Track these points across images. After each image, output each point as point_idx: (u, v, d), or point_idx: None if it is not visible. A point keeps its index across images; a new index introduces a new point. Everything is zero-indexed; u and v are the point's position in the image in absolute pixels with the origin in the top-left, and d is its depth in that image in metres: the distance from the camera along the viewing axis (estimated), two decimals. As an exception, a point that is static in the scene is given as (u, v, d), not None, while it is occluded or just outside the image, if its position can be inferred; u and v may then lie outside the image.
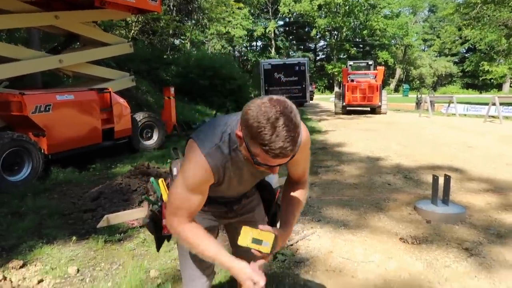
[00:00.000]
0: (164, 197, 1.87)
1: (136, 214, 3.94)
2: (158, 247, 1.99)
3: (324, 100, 36.44)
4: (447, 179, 4.30)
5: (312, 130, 11.47)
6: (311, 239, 3.74)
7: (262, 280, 1.52)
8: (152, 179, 1.98)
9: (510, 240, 3.63)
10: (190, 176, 1.51)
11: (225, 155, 1.52)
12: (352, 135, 10.60)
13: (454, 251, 3.41)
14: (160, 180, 1.94)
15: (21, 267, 3.15)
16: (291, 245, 3.60)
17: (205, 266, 1.81)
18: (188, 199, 1.54)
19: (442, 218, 4.11)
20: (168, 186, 1.89)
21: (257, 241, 1.63)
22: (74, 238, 3.59)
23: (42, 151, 5.87)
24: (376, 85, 16.76)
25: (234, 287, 2.71)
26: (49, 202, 4.84)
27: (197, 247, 1.57)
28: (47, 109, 5.95)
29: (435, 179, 4.33)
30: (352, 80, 17.83)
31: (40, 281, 2.95)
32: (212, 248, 1.57)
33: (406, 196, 5.06)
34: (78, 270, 3.15)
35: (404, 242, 3.61)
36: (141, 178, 4.94)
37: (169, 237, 1.97)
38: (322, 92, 56.62)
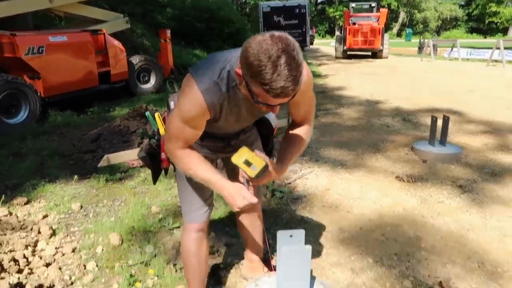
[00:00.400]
0: (161, 131, 1.86)
1: (135, 154, 3.98)
2: (155, 180, 2.01)
3: (325, 45, 35.60)
4: (446, 120, 4.30)
5: (312, 75, 11.26)
6: (308, 177, 3.82)
7: (254, 199, 1.56)
8: (147, 113, 1.96)
9: (503, 179, 3.70)
10: (186, 110, 1.49)
11: (223, 93, 1.49)
12: (352, 79, 10.47)
13: (448, 188, 3.49)
14: (156, 114, 1.92)
15: (26, 203, 3.24)
16: (289, 183, 3.67)
17: (204, 198, 1.84)
18: (183, 131, 1.54)
19: (438, 158, 4.16)
20: (164, 120, 1.88)
21: (247, 163, 1.64)
22: (76, 177, 3.66)
23: (39, 94, 5.80)
24: (378, 28, 16.28)
25: (233, 221, 2.80)
26: (49, 144, 4.87)
27: (191, 169, 1.56)
28: (40, 50, 5.81)
29: (434, 120, 4.32)
30: (354, 23, 17.29)
31: (45, 216, 3.04)
32: (206, 170, 1.56)
33: (404, 137, 5.09)
34: (81, 206, 3.23)
35: (400, 180, 3.68)
36: (139, 120, 4.94)
37: (166, 171, 1.99)
38: (322, 36, 55.19)
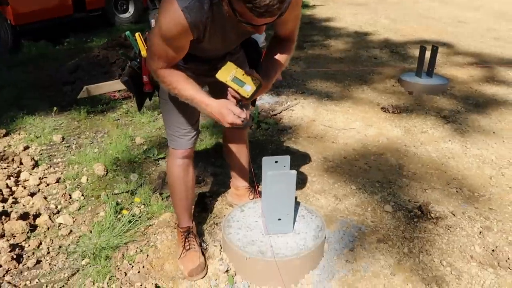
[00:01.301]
0: (143, 53, 1.75)
1: (117, 85, 3.85)
2: (139, 106, 1.94)
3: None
4: (434, 50, 4.22)
5: (299, 5, 10.82)
6: (294, 109, 3.78)
7: (243, 114, 1.50)
8: (127, 32, 1.82)
9: (486, 109, 3.74)
10: (166, 29, 1.38)
11: (205, 10, 1.37)
12: (341, 10, 10.08)
13: (432, 119, 3.52)
14: (137, 34, 1.78)
15: (4, 135, 3.16)
16: (275, 115, 3.64)
17: (190, 123, 1.79)
18: (165, 50, 1.44)
19: (424, 89, 4.15)
20: (146, 40, 1.76)
21: (238, 82, 1.54)
22: (55, 108, 3.54)
23: (8, 21, 5.43)
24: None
25: (218, 152, 2.80)
26: (25, 76, 4.67)
27: (176, 88, 1.51)
28: (6, -27, 5.33)
29: (422, 50, 4.24)
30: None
31: (26, 147, 2.98)
32: (191, 88, 1.50)
33: (391, 69, 5.02)
34: (63, 138, 3.17)
35: (385, 111, 3.68)
36: (119, 50, 4.71)
37: (150, 95, 1.91)
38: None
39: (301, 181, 2.59)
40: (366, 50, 6.00)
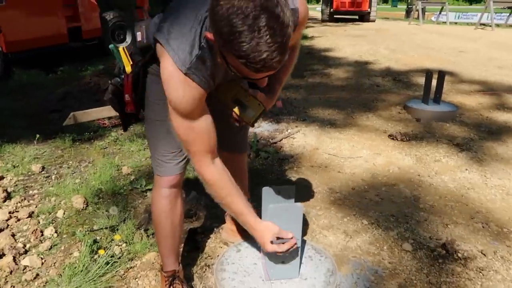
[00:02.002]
0: (127, 69, 1.52)
1: (106, 112, 3.62)
2: (125, 127, 1.67)
3: (311, 10, 34.66)
4: (441, 76, 4.03)
5: (298, 36, 10.84)
6: (295, 137, 3.53)
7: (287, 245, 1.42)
8: (111, 46, 1.60)
9: (501, 136, 3.50)
10: (182, 105, 1.21)
11: (209, 65, 1.20)
12: (340, 41, 10.08)
13: (445, 147, 3.26)
14: (121, 48, 1.56)
15: (-21, 165, 2.88)
16: (275, 143, 3.39)
17: (179, 146, 1.52)
18: (191, 128, 1.26)
19: (433, 116, 3.92)
20: (131, 54, 1.53)
21: (241, 104, 1.42)
22: (38, 136, 3.27)
23: (0, 49, 5.28)
24: (367, -11, 15.71)
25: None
26: (11, 104, 4.45)
27: (224, 198, 1.39)
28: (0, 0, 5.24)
29: (428, 75, 4.05)
30: (341, -15, 16.64)
31: (1, 178, 2.69)
32: (241, 202, 1.40)
33: (395, 96, 4.83)
34: (43, 168, 2.89)
35: (393, 139, 3.43)
36: (111, 77, 4.51)
37: (136, 117, 1.65)
38: (308, 1, 53.79)
39: (306, 215, 2.30)
40: (368, 78, 5.84)
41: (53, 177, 2.77)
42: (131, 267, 1.88)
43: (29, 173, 2.83)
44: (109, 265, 1.85)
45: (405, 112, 4.18)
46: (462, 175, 2.78)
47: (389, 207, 2.38)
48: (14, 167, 2.89)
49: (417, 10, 16.41)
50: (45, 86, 5.25)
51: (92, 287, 1.72)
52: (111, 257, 1.91)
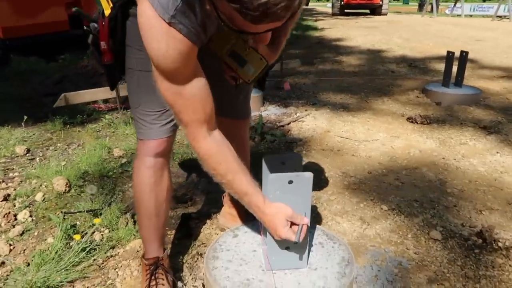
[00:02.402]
0: (106, 12, 1.25)
1: (100, 94, 3.36)
2: (110, 84, 1.38)
3: (321, 7, 34.23)
4: (463, 57, 3.70)
5: (308, 28, 10.53)
6: (305, 120, 3.24)
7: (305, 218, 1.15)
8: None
9: (532, 120, 3.16)
10: (162, 61, 0.94)
11: (198, 12, 0.92)
12: (351, 32, 9.73)
13: (470, 130, 2.94)
14: (101, -12, 1.29)
15: (-42, 146, 2.65)
16: (282, 126, 3.10)
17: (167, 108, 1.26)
18: (180, 93, 0.99)
19: (455, 100, 3.59)
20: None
21: (238, 59, 1.14)
22: (25, 117, 3.03)
23: (-3, 35, 5.07)
24: (379, -19, 15.29)
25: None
26: (6, 89, 4.22)
27: (224, 174, 1.09)
28: (-5, -16, 5.02)
29: (450, 55, 3.73)
30: (353, -23, 16.25)
31: (-21, 160, 2.46)
32: (246, 181, 1.10)
33: (412, 82, 4.50)
34: (28, 150, 2.65)
35: (412, 122, 3.12)
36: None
37: (121, 71, 1.35)
38: (317, 0, 53.21)
39: (316, 201, 2.01)
40: (381, 65, 5.51)
41: (37, 159, 2.53)
42: (111, 256, 1.62)
43: (13, 155, 2.59)
44: (85, 252, 1.59)
45: (423, 96, 3.86)
46: (493, 158, 2.46)
47: (411, 191, 2.08)
48: (-2, 149, 2.65)
49: (431, 3, 15.94)
50: (43, 73, 5.04)
51: (62, 277, 1.46)
52: (90, 243, 1.65)
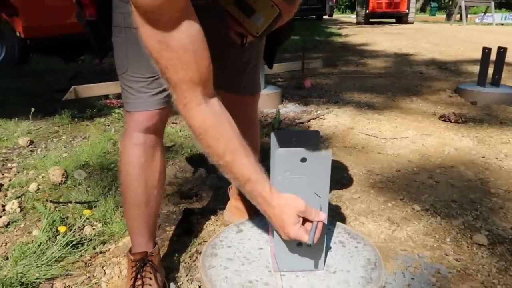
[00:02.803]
0: None
1: (112, 87, 3.23)
2: (99, 51, 1.20)
3: (344, 17, 34.00)
4: (501, 53, 3.40)
5: (332, 35, 10.30)
6: (326, 118, 3.00)
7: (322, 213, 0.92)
8: None
9: None
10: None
11: None
12: (377, 37, 9.43)
13: (512, 129, 2.64)
14: None
15: (-39, 136, 2.54)
16: (301, 123, 2.87)
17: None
18: (165, 42, 0.77)
19: (492, 99, 3.28)
20: None
21: (245, 7, 0.92)
22: (33, 110, 2.91)
23: (18, 33, 5.07)
24: (405, -11, 14.91)
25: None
26: (19, 84, 4.16)
27: (221, 154, 0.86)
28: (18, -17, 5.04)
29: (486, 52, 3.43)
30: (378, -15, 15.94)
31: (-21, 150, 2.33)
32: (246, 163, 0.86)
33: (443, 83, 4.20)
34: (31, 142, 2.51)
35: (445, 120, 2.83)
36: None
37: (107, 33, 1.17)
38: (342, 12, 52.94)
39: (336, 199, 1.77)
40: (409, 67, 5.22)
41: (39, 151, 2.39)
42: (101, 252, 1.42)
43: (15, 146, 2.46)
44: (71, 247, 1.40)
45: (456, 95, 3.56)
46: (541, 158, 2.16)
47: (448, 191, 1.81)
48: (1, 140, 2.53)
49: (460, 11, 15.46)
50: (60, 72, 4.99)
51: (42, 273, 1.27)
52: (79, 237, 1.46)
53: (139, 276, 1.09)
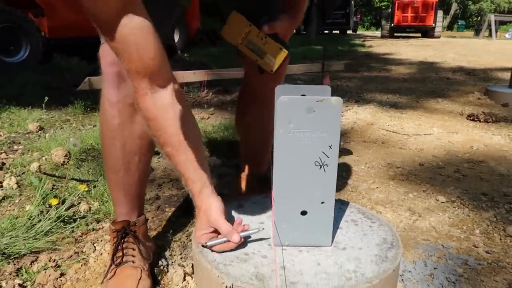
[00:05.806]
0: None
1: (126, 80, 3.18)
2: None
3: (370, 32, 33.85)
4: (536, 54, 3.19)
5: (354, 46, 10.17)
6: (345, 114, 2.87)
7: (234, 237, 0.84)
8: None
9: None
10: None
11: None
12: (401, 49, 9.25)
13: (548, 130, 2.43)
14: None
15: (-27, 121, 2.53)
16: (319, 119, 2.74)
17: None
18: (110, 33, 0.72)
19: (525, 101, 3.08)
20: None
21: (256, 49, 1.02)
22: (46, 98, 2.88)
23: (42, 33, 5.17)
24: (432, 2, 14.66)
25: (236, 151, 1.97)
26: (39, 79, 4.18)
27: (162, 145, 0.84)
28: (45, -16, 5.16)
29: (519, 52, 3.23)
30: (404, -2, 15.77)
31: (-11, 133, 2.30)
32: (183, 161, 0.85)
33: (471, 87, 3.99)
34: (41, 128, 2.47)
35: (473, 120, 2.65)
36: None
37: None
38: (367, 28, 52.78)
39: (352, 189, 1.63)
40: (435, 73, 5.03)
41: (47, 135, 2.34)
42: (94, 229, 1.32)
43: (24, 131, 2.42)
44: (63, 222, 1.30)
45: (486, 98, 3.37)
46: None
47: (476, 184, 1.64)
48: (11, 125, 2.50)
49: (489, 26, 15.06)
50: (80, 71, 5.02)
51: (27, 246, 1.17)
52: (74, 214, 1.37)
53: (119, 247, 0.98)
